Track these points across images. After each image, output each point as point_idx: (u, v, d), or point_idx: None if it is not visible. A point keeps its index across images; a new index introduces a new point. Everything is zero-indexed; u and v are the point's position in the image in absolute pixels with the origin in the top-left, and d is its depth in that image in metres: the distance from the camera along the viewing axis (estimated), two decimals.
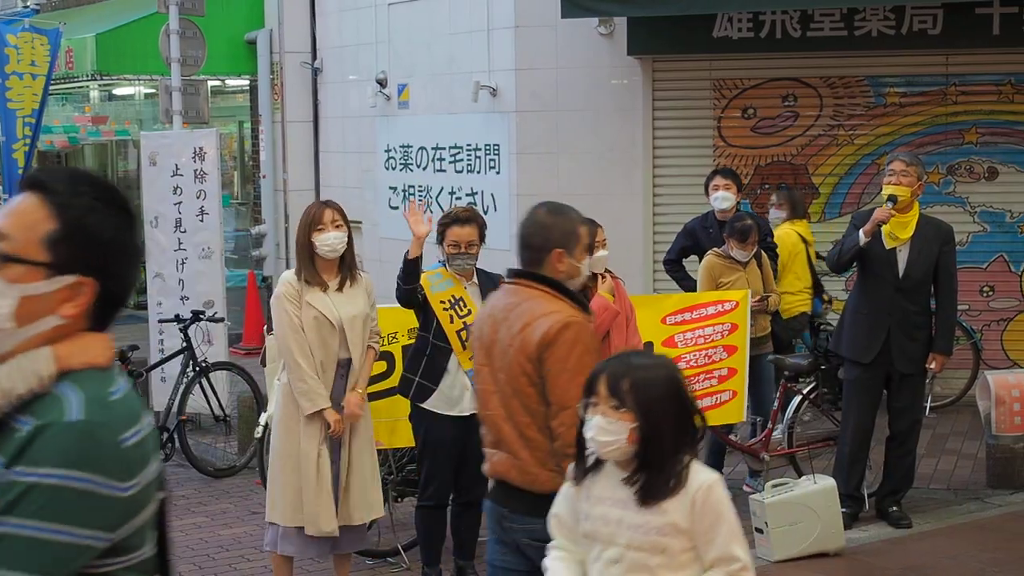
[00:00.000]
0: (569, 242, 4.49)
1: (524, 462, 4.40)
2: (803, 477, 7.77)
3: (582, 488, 3.71)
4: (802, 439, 8.52)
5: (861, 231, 7.68)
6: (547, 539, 4.30)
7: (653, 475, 3.54)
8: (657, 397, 3.53)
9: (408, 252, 6.58)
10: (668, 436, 3.52)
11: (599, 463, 3.66)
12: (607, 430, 3.51)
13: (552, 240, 4.47)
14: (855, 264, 7.95)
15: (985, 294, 11.10)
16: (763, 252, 8.72)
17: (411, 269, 6.59)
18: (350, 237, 6.61)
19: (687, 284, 8.93)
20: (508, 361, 4.40)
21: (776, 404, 8.40)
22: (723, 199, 8.85)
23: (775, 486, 7.56)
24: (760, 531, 7.41)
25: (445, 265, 6.80)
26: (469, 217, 6.79)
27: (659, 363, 3.66)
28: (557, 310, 4.36)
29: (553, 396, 4.29)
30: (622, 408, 3.50)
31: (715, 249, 8.55)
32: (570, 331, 4.29)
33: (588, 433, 3.56)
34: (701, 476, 3.57)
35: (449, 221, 6.75)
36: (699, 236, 8.92)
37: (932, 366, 7.83)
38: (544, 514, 4.23)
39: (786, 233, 9.65)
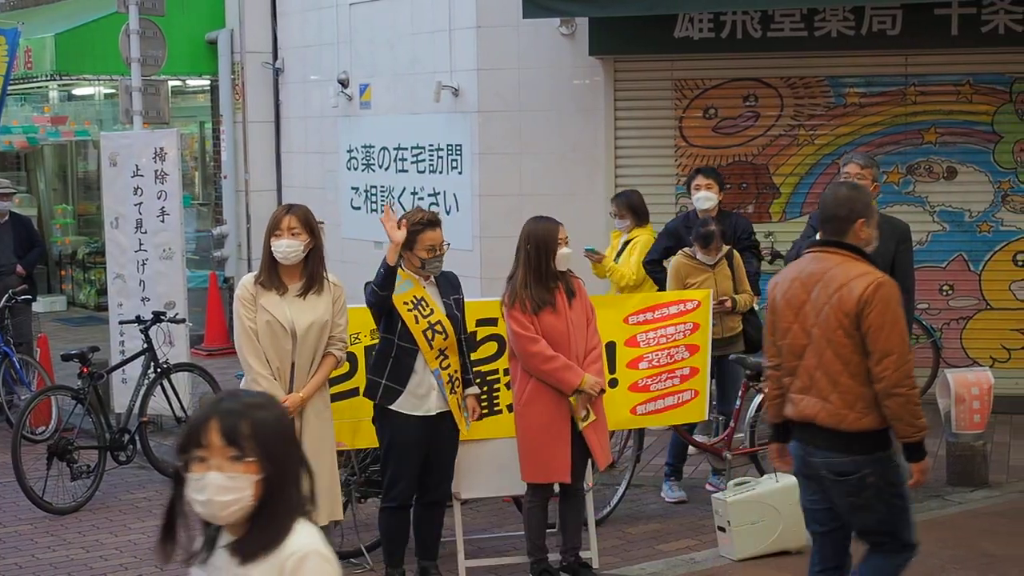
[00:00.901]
0: (867, 212, 5.36)
1: (833, 404, 5.17)
2: (765, 476, 7.81)
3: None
4: (764, 438, 8.53)
5: (816, 237, 7.70)
6: (846, 472, 5.19)
7: (261, 529, 2.94)
8: (281, 439, 2.98)
9: (386, 259, 6.58)
10: (293, 485, 2.98)
11: (217, 531, 3.02)
12: (228, 487, 2.88)
13: (856, 211, 5.32)
14: None
15: (945, 293, 11.17)
16: (736, 253, 8.69)
17: (390, 275, 6.60)
18: (316, 246, 6.61)
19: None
20: (824, 317, 5.19)
21: (739, 403, 8.42)
22: (705, 199, 8.82)
23: (737, 485, 7.60)
24: (723, 530, 7.44)
25: (401, 266, 6.79)
26: (438, 220, 6.89)
27: (270, 401, 3.10)
28: (868, 271, 5.20)
29: (877, 345, 5.08)
30: (245, 458, 2.90)
31: (684, 250, 8.58)
32: (884, 289, 5.14)
33: (201, 496, 2.90)
34: (299, 542, 2.94)
35: (422, 226, 6.76)
36: (681, 236, 8.89)
37: None
38: (844, 450, 5.18)
39: (644, 243, 9.34)
